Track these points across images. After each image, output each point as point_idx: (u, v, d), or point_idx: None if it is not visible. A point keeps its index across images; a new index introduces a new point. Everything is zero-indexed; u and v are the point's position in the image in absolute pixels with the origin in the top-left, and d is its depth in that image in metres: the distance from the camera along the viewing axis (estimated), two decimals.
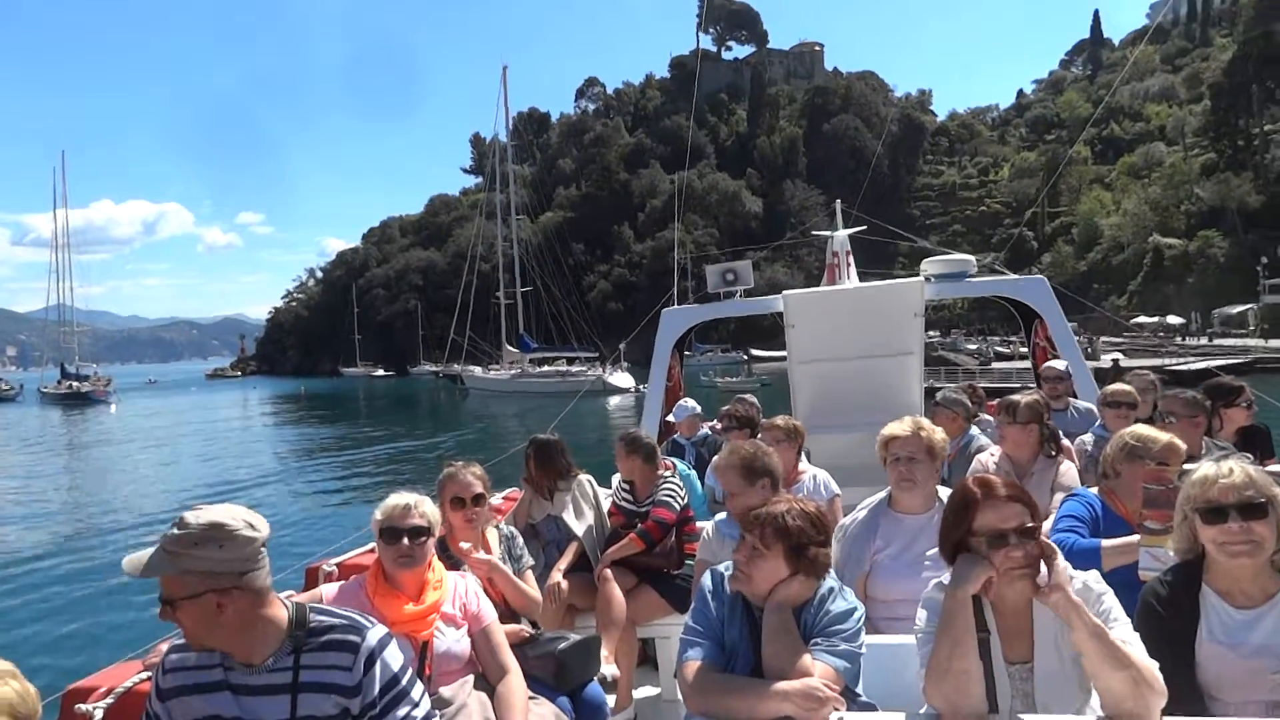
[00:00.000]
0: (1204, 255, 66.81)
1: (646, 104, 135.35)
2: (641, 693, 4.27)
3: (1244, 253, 63.47)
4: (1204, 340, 53.59)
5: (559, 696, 2.97)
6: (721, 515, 3.65)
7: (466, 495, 3.35)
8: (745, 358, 74.71)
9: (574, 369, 56.64)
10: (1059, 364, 6.15)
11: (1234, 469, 2.25)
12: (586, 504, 4.48)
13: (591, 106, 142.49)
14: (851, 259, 8.19)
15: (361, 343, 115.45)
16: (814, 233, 9.42)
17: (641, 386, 44.55)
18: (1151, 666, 1.98)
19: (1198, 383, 5.35)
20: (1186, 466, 2.63)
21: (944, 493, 3.25)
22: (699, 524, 4.16)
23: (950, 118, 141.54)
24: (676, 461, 5.05)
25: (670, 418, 6.56)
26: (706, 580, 2.47)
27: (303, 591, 3.19)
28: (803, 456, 4.54)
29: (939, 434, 3.37)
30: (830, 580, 2.42)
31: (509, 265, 62.32)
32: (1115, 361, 32.10)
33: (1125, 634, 2.06)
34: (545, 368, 59.72)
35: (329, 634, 1.96)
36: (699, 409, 6.43)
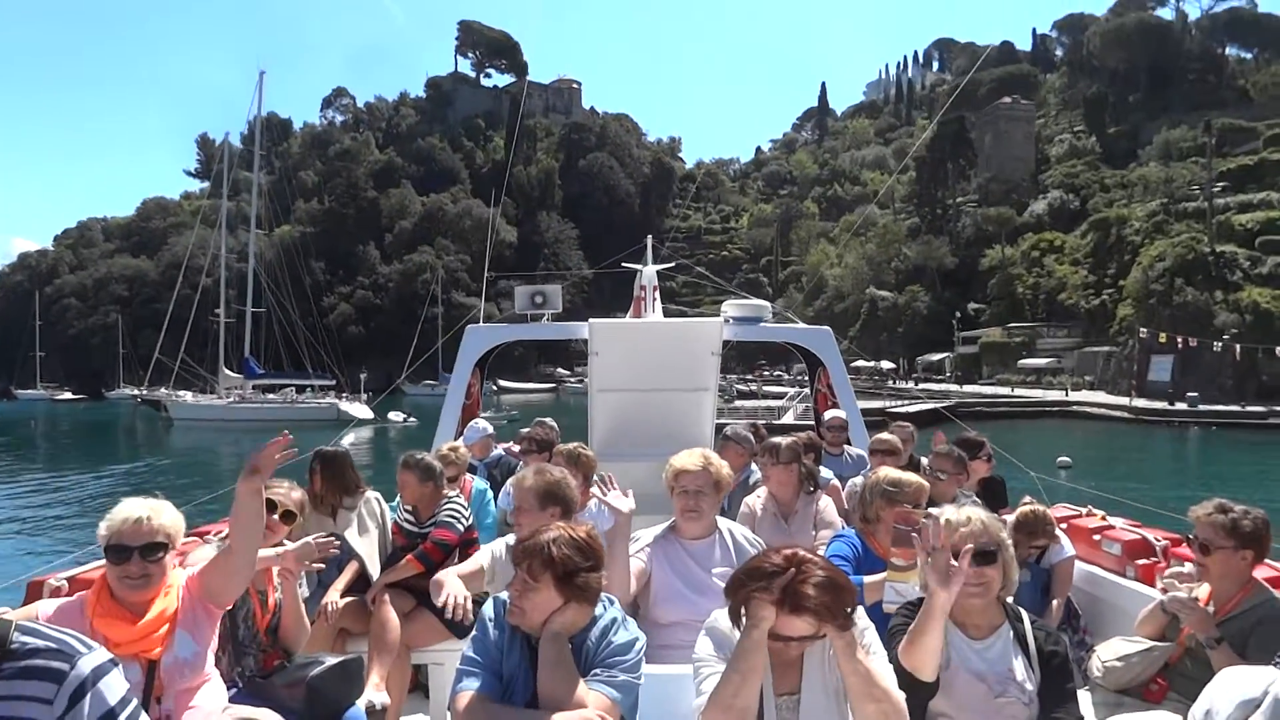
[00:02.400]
0: (911, 308, 75.12)
1: (400, 122, 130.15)
2: None
3: (942, 307, 72.12)
4: (910, 384, 60.01)
5: None
6: (513, 537, 3.48)
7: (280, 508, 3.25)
8: (494, 388, 72.78)
9: (303, 397, 51.28)
10: (840, 414, 6.75)
11: (971, 517, 2.57)
12: (373, 522, 4.40)
13: (339, 118, 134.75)
14: (658, 294, 8.31)
15: (45, 360, 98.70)
16: (625, 265, 9.93)
17: (391, 416, 41.68)
18: (900, 698, 2.19)
19: (929, 422, 6.07)
20: (932, 510, 2.86)
21: (723, 523, 3.52)
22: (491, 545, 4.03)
23: (697, 166, 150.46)
24: (474, 479, 5.06)
25: (461, 440, 6.39)
26: (488, 609, 2.44)
27: (21, 607, 2.87)
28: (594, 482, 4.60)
29: (725, 469, 3.52)
30: (614, 610, 2.45)
31: (238, 281, 55.80)
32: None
33: (882, 666, 2.25)
34: (271, 395, 53.61)
35: (30, 659, 1.68)
36: (491, 430, 6.45)
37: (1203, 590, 3.16)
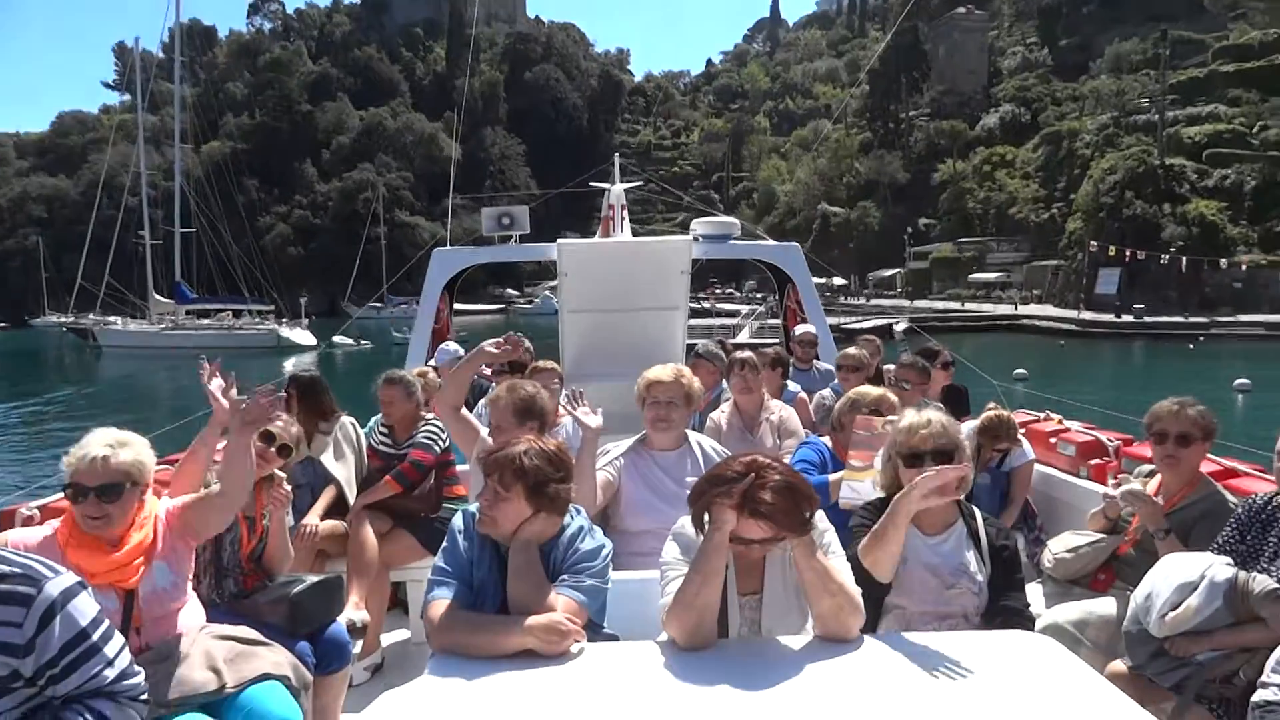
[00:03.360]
0: (862, 223, 75.00)
1: (333, 30, 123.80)
2: (390, 637, 4.32)
3: (893, 223, 72.07)
4: (862, 300, 60.09)
5: (297, 641, 2.85)
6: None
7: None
8: None
9: (241, 323, 49.13)
10: (809, 329, 6.87)
11: (932, 420, 2.68)
12: (349, 447, 4.39)
13: (268, 25, 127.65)
14: (626, 213, 8.23)
15: None
16: (593, 184, 9.81)
17: (337, 340, 40.31)
18: (856, 593, 2.27)
19: (881, 339, 6.36)
20: (892, 418, 3.01)
21: (692, 435, 3.63)
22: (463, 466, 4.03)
23: (646, 79, 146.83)
24: None
25: (433, 361, 6.51)
26: (457, 521, 2.48)
27: None
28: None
29: (696, 383, 3.59)
30: (580, 519, 2.50)
31: (165, 200, 52.58)
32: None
33: (840, 564, 2.34)
34: (205, 321, 51.19)
35: None
36: (462, 352, 6.28)
37: (1153, 484, 3.38)
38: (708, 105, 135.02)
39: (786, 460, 3.04)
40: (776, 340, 9.54)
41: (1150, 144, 50.71)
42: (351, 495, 4.26)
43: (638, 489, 3.43)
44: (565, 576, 2.35)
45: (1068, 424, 5.12)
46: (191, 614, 2.67)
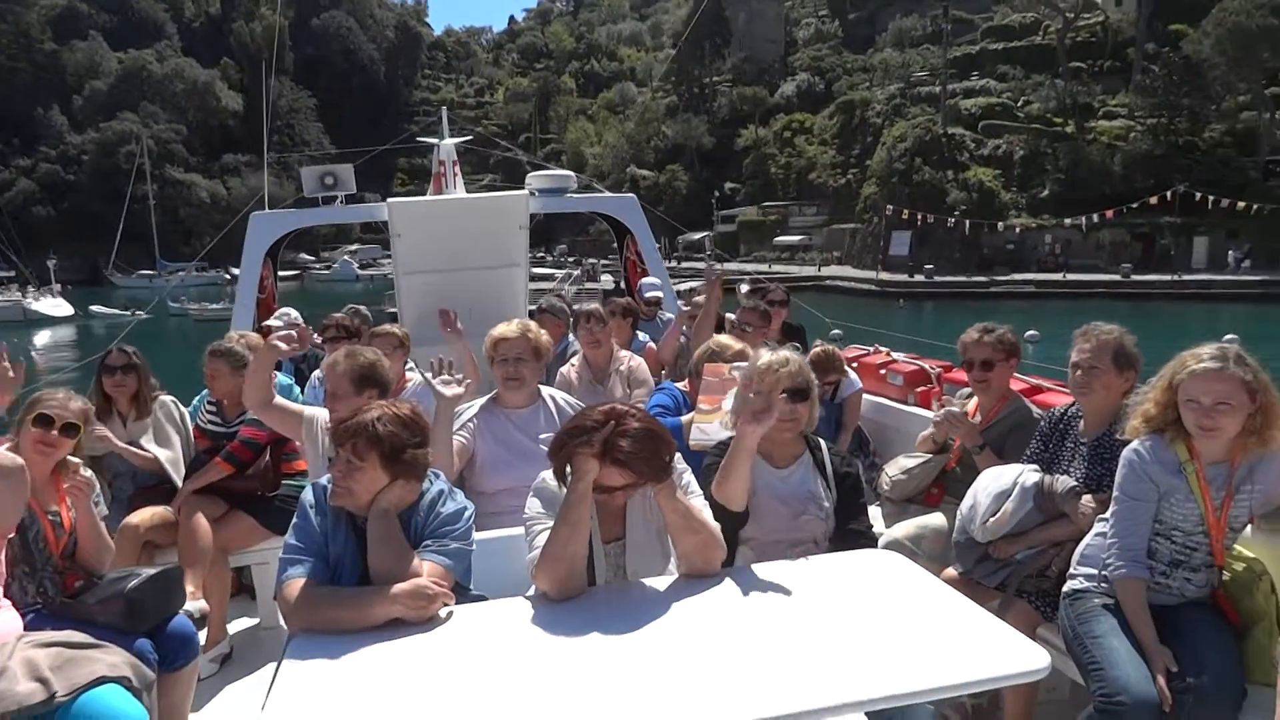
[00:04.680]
0: (671, 187, 75.47)
1: None
2: (238, 625, 4.17)
3: (700, 186, 73.08)
4: (674, 263, 60.31)
5: (136, 640, 2.67)
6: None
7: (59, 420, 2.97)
8: (227, 277, 64.08)
9: None
10: (653, 280, 6.96)
11: (789, 359, 2.78)
12: (171, 427, 4.20)
13: None
14: (458, 168, 8.09)
15: None
16: (420, 139, 9.63)
17: (94, 310, 34.76)
18: (716, 529, 2.36)
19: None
20: (739, 364, 2.99)
21: (545, 390, 3.64)
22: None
23: (447, 33, 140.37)
24: (277, 374, 4.59)
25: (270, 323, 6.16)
26: (307, 495, 2.41)
27: None
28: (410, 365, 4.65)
29: (544, 336, 3.61)
30: (440, 483, 2.47)
31: None
32: (617, 284, 32.95)
33: (700, 503, 2.42)
34: None
35: None
36: (299, 318, 6.05)
37: (971, 404, 3.67)
38: (512, 64, 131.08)
39: (642, 407, 3.02)
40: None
41: (934, 114, 54.13)
42: (179, 479, 4.06)
43: (493, 448, 3.41)
44: (429, 542, 2.32)
45: (895, 356, 5.38)
46: (3, 623, 2.49)
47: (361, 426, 2.28)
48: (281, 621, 2.29)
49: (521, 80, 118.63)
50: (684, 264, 60.96)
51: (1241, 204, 38.81)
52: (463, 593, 2.34)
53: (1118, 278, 41.06)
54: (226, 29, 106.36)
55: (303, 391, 5.12)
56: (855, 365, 5.17)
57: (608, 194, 8.83)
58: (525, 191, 7.11)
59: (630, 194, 8.18)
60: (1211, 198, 38.96)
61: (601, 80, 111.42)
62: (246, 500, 4.02)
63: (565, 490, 2.30)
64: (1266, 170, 45.34)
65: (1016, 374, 3.91)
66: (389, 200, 6.51)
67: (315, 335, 6.06)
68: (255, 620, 4.25)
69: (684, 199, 74.00)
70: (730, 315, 5.78)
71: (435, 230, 6.50)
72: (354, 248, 79.00)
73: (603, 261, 50.05)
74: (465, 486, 3.33)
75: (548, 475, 2.43)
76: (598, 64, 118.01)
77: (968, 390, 3.82)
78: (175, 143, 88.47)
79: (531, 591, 2.31)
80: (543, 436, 3.34)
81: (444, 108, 9.46)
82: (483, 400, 3.57)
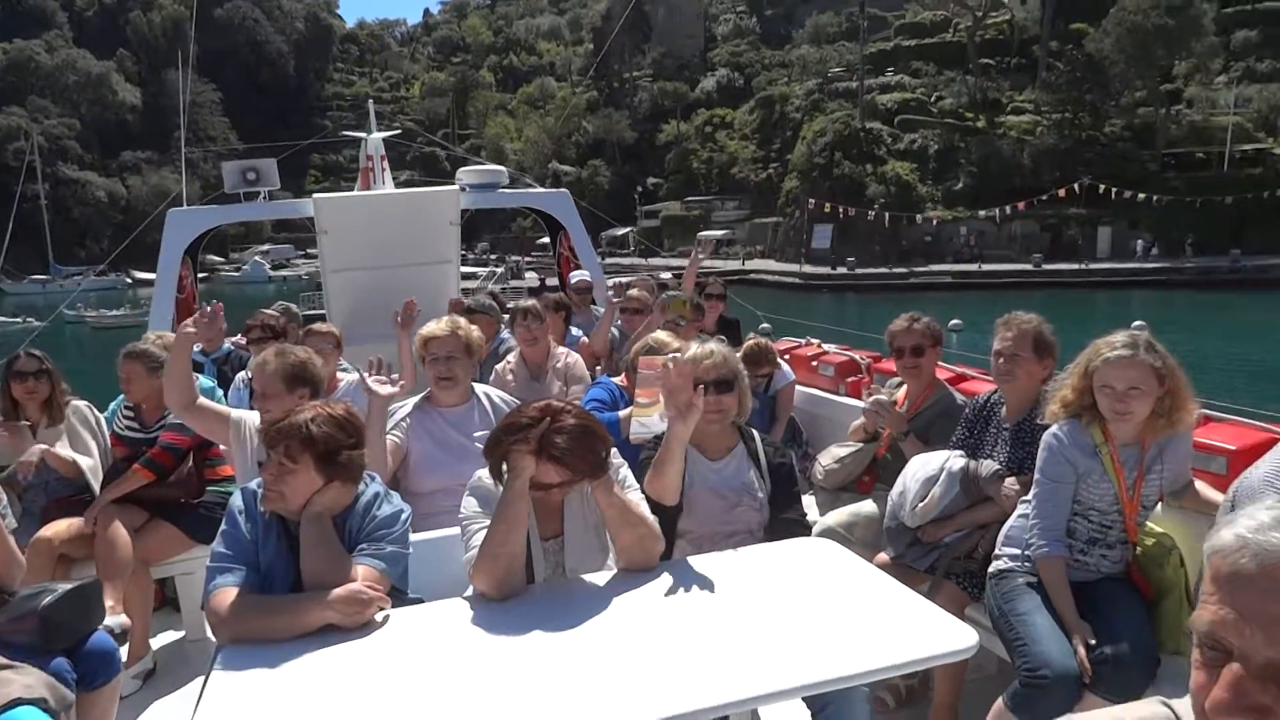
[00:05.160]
0: (593, 182, 75.27)
1: None
2: (163, 639, 4.09)
3: (623, 181, 73.07)
4: (599, 259, 60.22)
5: (52, 659, 2.58)
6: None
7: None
8: (129, 281, 61.13)
9: None
10: (584, 275, 6.98)
11: (714, 351, 2.86)
12: (87, 432, 4.07)
13: None
14: (387, 164, 8.01)
15: None
16: (347, 134, 9.34)
17: None
18: (654, 522, 2.39)
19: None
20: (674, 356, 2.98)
21: (479, 388, 3.61)
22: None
23: (359, 26, 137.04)
24: (199, 377, 4.36)
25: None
26: (236, 500, 2.36)
27: None
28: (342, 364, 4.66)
29: (475, 332, 3.58)
30: (375, 485, 2.44)
31: None
32: (543, 281, 32.91)
33: (637, 497, 2.45)
34: None
35: None
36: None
37: (899, 393, 3.80)
38: (428, 58, 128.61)
39: (577, 403, 3.06)
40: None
41: (852, 109, 55.25)
42: (96, 487, 3.89)
43: (427, 448, 3.38)
44: (364, 545, 2.28)
45: (826, 348, 5.54)
46: None
47: (295, 428, 2.24)
48: (209, 633, 2.24)
49: (438, 74, 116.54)
50: (608, 259, 61.09)
51: (1142, 195, 40.98)
52: (399, 596, 2.31)
53: (1029, 267, 42.74)
54: (123, 19, 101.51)
55: (226, 395, 5.01)
56: (788, 358, 5.29)
57: (540, 189, 8.83)
58: (456, 187, 7.07)
59: (563, 189, 8.20)
60: (1114, 189, 41.03)
61: (521, 75, 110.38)
62: (169, 508, 3.89)
63: (501, 488, 2.29)
64: (1163, 163, 47.85)
65: (942, 363, 4.07)
66: (315, 196, 6.38)
67: (240, 336, 5.92)
68: (180, 634, 4.15)
69: (607, 194, 73.95)
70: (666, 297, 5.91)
71: (364, 227, 6.38)
72: (265, 248, 76.42)
73: (526, 258, 49.72)
74: (399, 487, 3.31)
75: (483, 474, 2.42)
76: (516, 58, 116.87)
77: (897, 380, 3.95)
78: (68, 139, 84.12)
79: (469, 592, 2.30)
80: (478, 435, 3.33)
81: (370, 101, 9.32)
82: (416, 399, 3.53)
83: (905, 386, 3.83)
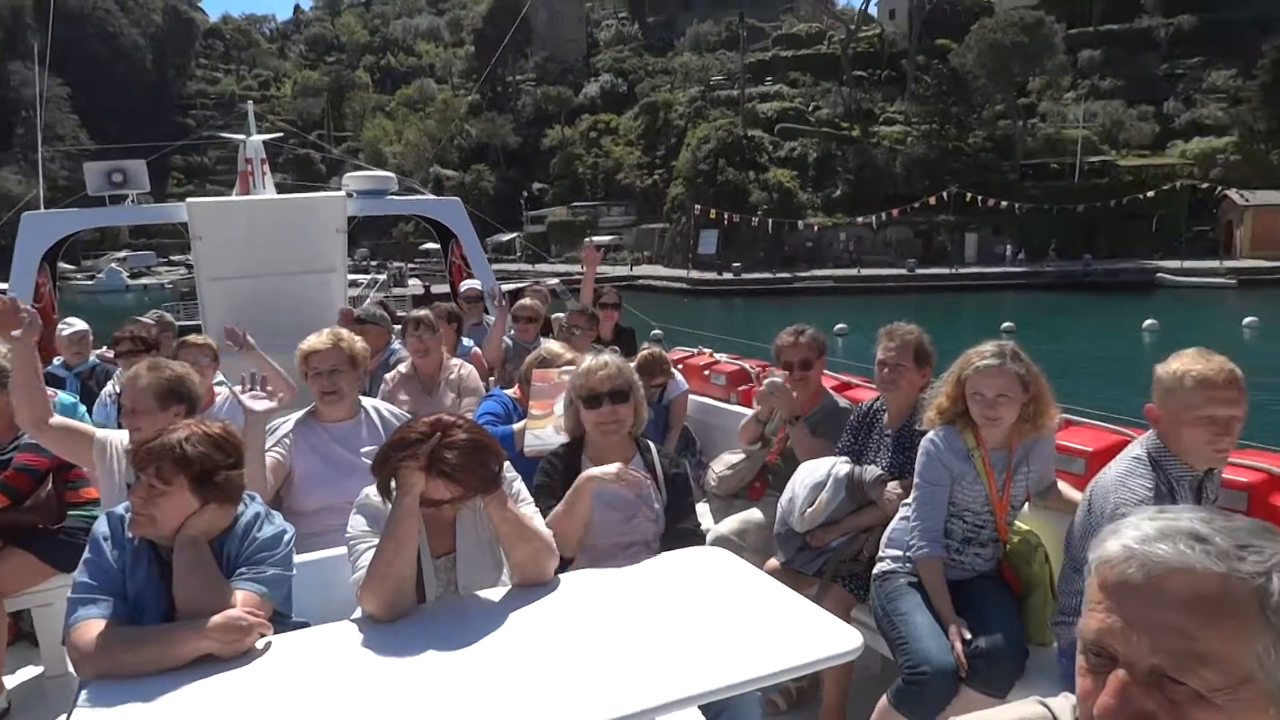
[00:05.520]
0: (477, 187, 74.26)
1: None
2: (18, 676, 3.86)
3: (508, 187, 72.44)
4: None
5: None
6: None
7: None
8: None
9: None
10: (475, 284, 6.90)
11: (608, 362, 2.87)
12: None
13: None
14: (267, 167, 7.88)
15: None
16: (223, 135, 9.44)
17: None
18: (548, 536, 2.38)
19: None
20: (568, 368, 3.19)
21: (367, 401, 3.50)
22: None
23: (224, 21, 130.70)
24: (59, 393, 4.38)
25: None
26: (100, 526, 2.26)
27: None
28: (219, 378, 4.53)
29: (359, 344, 3.48)
30: (256, 505, 2.37)
31: None
32: (428, 288, 32.28)
33: (530, 511, 2.43)
34: None
35: None
36: (88, 330, 5.69)
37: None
38: (299, 56, 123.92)
39: (469, 417, 2.97)
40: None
41: (734, 117, 56.60)
42: None
43: (311, 464, 3.28)
44: (243, 569, 2.19)
45: (718, 357, 5.63)
46: None
47: (168, 448, 2.14)
48: (70, 669, 2.13)
49: (311, 74, 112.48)
50: (494, 265, 60.33)
51: (1005, 203, 43.77)
52: (283, 621, 2.24)
53: (905, 272, 44.96)
54: None
55: (90, 411, 4.77)
56: (681, 367, 5.38)
57: (431, 197, 8.79)
58: (343, 193, 6.94)
59: (455, 197, 8.21)
60: (979, 198, 43.68)
61: (399, 76, 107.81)
62: (25, 535, 3.65)
63: (390, 506, 2.25)
64: (1022, 173, 51.18)
65: (828, 372, 4.23)
66: (190, 200, 6.18)
67: (106, 349, 5.61)
68: (38, 670, 3.92)
69: (491, 199, 73.11)
70: (559, 316, 5.88)
71: (243, 233, 6.21)
72: (123, 254, 71.76)
73: (409, 265, 48.53)
74: (282, 507, 3.22)
75: (371, 491, 2.37)
76: (394, 59, 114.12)
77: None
78: None
79: (357, 614, 2.25)
80: (365, 450, 3.26)
81: (250, 103, 9.02)
82: (299, 414, 3.43)
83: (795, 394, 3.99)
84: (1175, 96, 57.32)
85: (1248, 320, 28.09)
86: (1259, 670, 0.82)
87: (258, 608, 2.11)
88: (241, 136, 8.01)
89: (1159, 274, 42.26)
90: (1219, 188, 47.33)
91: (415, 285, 35.78)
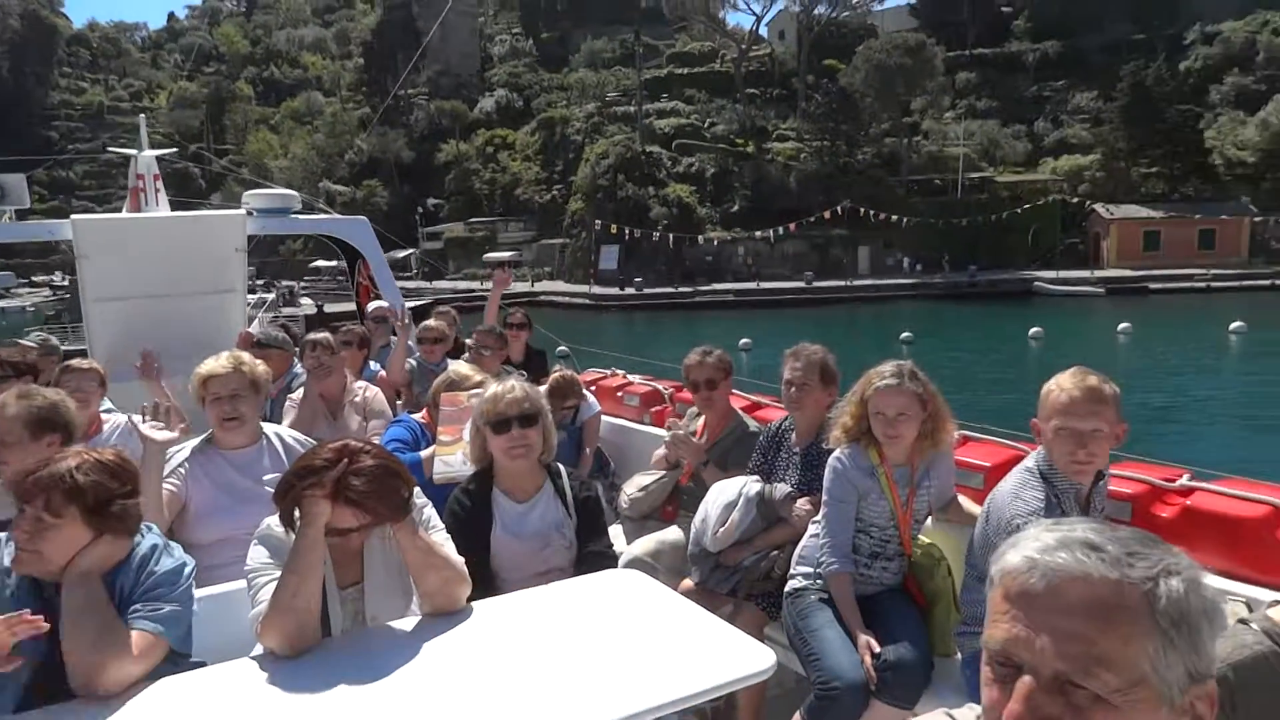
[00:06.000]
0: (370, 203, 72.47)
1: None
2: None
3: (402, 202, 71.05)
4: None
5: None
6: None
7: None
8: None
9: None
10: (382, 304, 6.75)
11: (515, 386, 2.87)
12: None
13: None
14: (160, 183, 7.73)
15: None
16: (112, 149, 8.88)
17: None
18: (460, 563, 2.34)
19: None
20: (476, 391, 3.17)
21: (269, 427, 3.39)
22: None
23: (90, 28, 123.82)
24: None
25: None
26: None
27: None
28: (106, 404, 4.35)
29: (260, 367, 3.39)
30: (153, 537, 2.27)
31: None
32: (320, 307, 31.34)
33: (441, 538, 2.39)
34: None
35: None
36: None
37: (698, 423, 3.95)
38: (175, 65, 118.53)
39: (376, 442, 2.89)
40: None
41: (631, 133, 57.15)
42: None
43: (208, 494, 3.17)
44: (139, 606, 2.08)
45: (630, 378, 5.68)
46: None
47: (57, 477, 2.02)
48: None
49: (188, 85, 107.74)
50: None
51: (895, 217, 45.77)
52: (180, 661, 2.15)
53: (802, 285, 46.31)
54: None
55: None
56: (593, 388, 5.39)
57: (337, 216, 8.62)
58: (242, 211, 6.82)
59: (362, 216, 8.08)
60: (870, 212, 45.53)
61: (284, 88, 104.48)
62: None
63: (294, 536, 2.18)
64: (909, 188, 53.59)
65: (737, 392, 4.28)
66: (75, 217, 6.04)
67: None
68: None
69: (386, 216, 71.42)
70: (469, 340, 5.82)
71: (134, 252, 6.04)
72: None
73: (300, 284, 46.92)
74: (177, 539, 3.05)
75: (273, 521, 2.29)
76: (278, 70, 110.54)
77: (696, 409, 4.11)
78: None
79: (257, 650, 2.17)
80: (267, 478, 3.15)
81: (141, 116, 8.69)
82: (195, 441, 3.30)
83: (702, 416, 4.02)
84: (1044, 117, 61.28)
85: (1122, 326, 30.05)
86: (1151, 671, 0.87)
87: (150, 648, 2.03)
88: (133, 151, 7.72)
89: (1036, 283, 44.96)
90: (1087, 202, 50.77)
91: (307, 304, 34.65)
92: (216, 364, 3.26)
